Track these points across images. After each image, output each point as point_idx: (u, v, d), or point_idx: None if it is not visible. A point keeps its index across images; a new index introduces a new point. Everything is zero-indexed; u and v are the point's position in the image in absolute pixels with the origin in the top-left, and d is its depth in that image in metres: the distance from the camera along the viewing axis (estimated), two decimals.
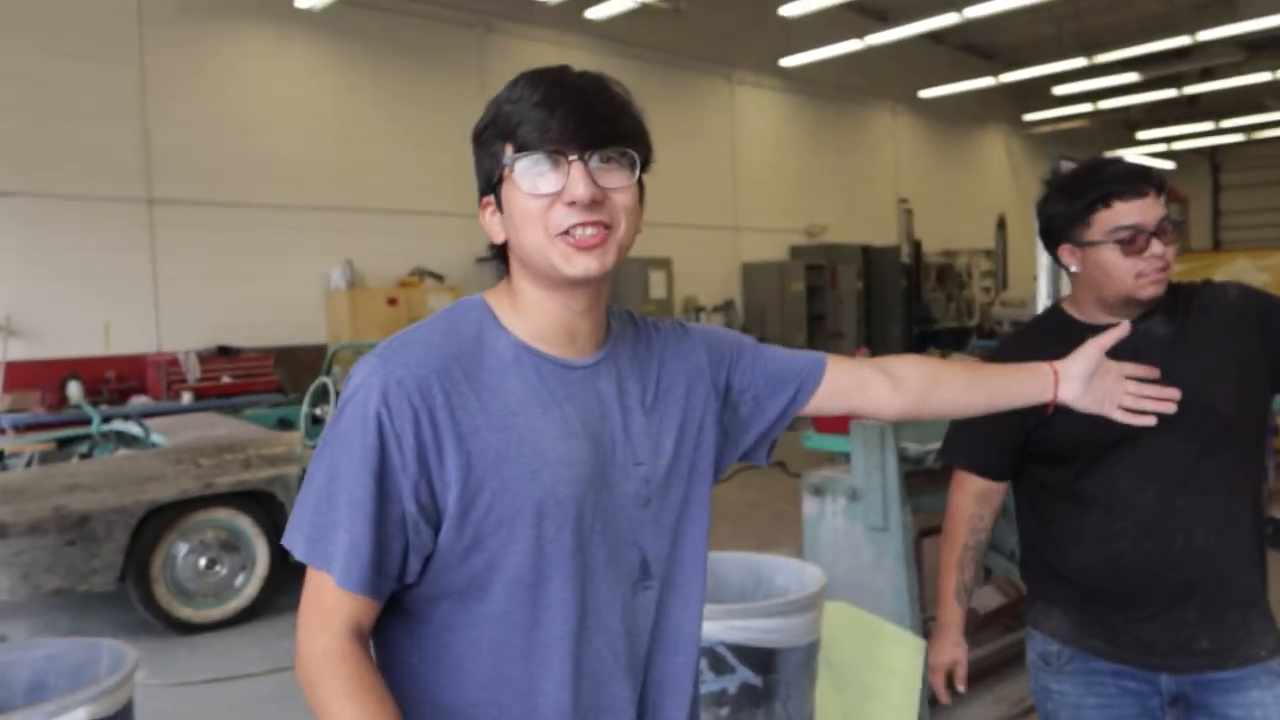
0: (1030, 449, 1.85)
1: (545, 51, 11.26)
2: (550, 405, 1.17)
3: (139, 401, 7.68)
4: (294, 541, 1.14)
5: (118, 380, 8.07)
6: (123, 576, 4.61)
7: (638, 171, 1.16)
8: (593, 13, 10.77)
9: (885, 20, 13.87)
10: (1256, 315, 1.77)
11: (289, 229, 9.24)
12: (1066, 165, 4.15)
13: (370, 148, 9.81)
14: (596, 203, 1.11)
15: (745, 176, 13.84)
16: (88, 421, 5.95)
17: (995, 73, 15.71)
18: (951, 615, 1.98)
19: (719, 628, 2.43)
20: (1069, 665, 1.84)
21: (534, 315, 1.19)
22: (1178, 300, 1.82)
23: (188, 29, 8.64)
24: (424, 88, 10.20)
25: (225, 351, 8.45)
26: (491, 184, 1.17)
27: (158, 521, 4.69)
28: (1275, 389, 1.80)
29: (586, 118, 1.11)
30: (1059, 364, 1.46)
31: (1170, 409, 1.48)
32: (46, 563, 4.36)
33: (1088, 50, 14.16)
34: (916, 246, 15.96)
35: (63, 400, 7.53)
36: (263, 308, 9.08)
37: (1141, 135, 21.27)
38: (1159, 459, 1.73)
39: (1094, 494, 1.77)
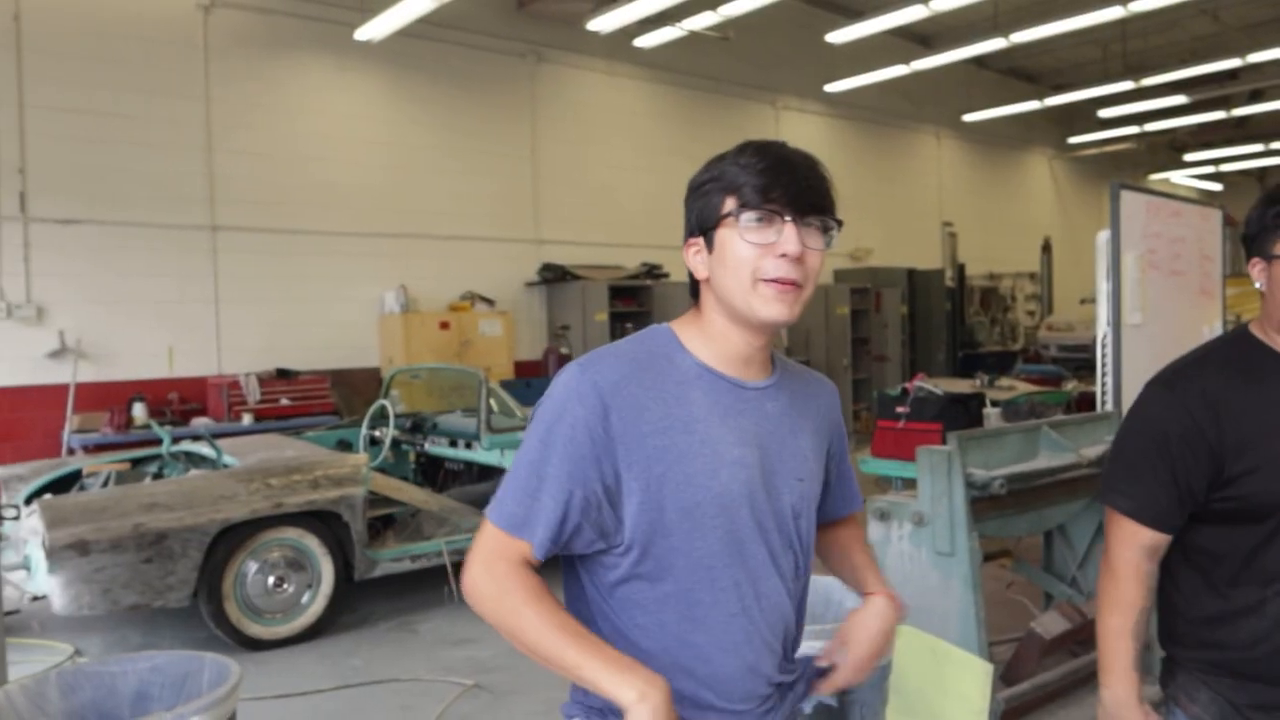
0: (1208, 505, 1.67)
1: (594, 80, 11.42)
2: (727, 416, 1.35)
3: (200, 422, 7.87)
4: (497, 512, 1.31)
5: (180, 401, 8.28)
6: (195, 593, 4.75)
7: (831, 241, 1.36)
8: (641, 41, 10.94)
9: (929, 45, 13.91)
10: None
11: (345, 255, 9.45)
12: (1127, 194, 4.18)
13: (423, 175, 10.02)
14: (800, 259, 1.31)
15: None
16: (157, 442, 6.12)
17: (1039, 96, 15.67)
18: (1129, 688, 1.72)
19: None
20: None
21: (718, 342, 1.38)
22: None
23: (250, 63, 8.90)
24: (476, 116, 10.40)
25: (283, 374, 8.64)
26: (704, 228, 1.36)
27: (229, 540, 4.83)
28: None
29: (804, 189, 1.32)
30: None
31: None
32: (125, 579, 4.50)
33: (1134, 73, 14.08)
34: (960, 270, 15.90)
35: (129, 421, 7.74)
36: (319, 331, 9.28)
37: (1188, 157, 21.05)
38: None
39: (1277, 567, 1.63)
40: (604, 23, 9.88)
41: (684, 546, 1.31)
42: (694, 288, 1.42)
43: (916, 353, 14.50)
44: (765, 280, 1.31)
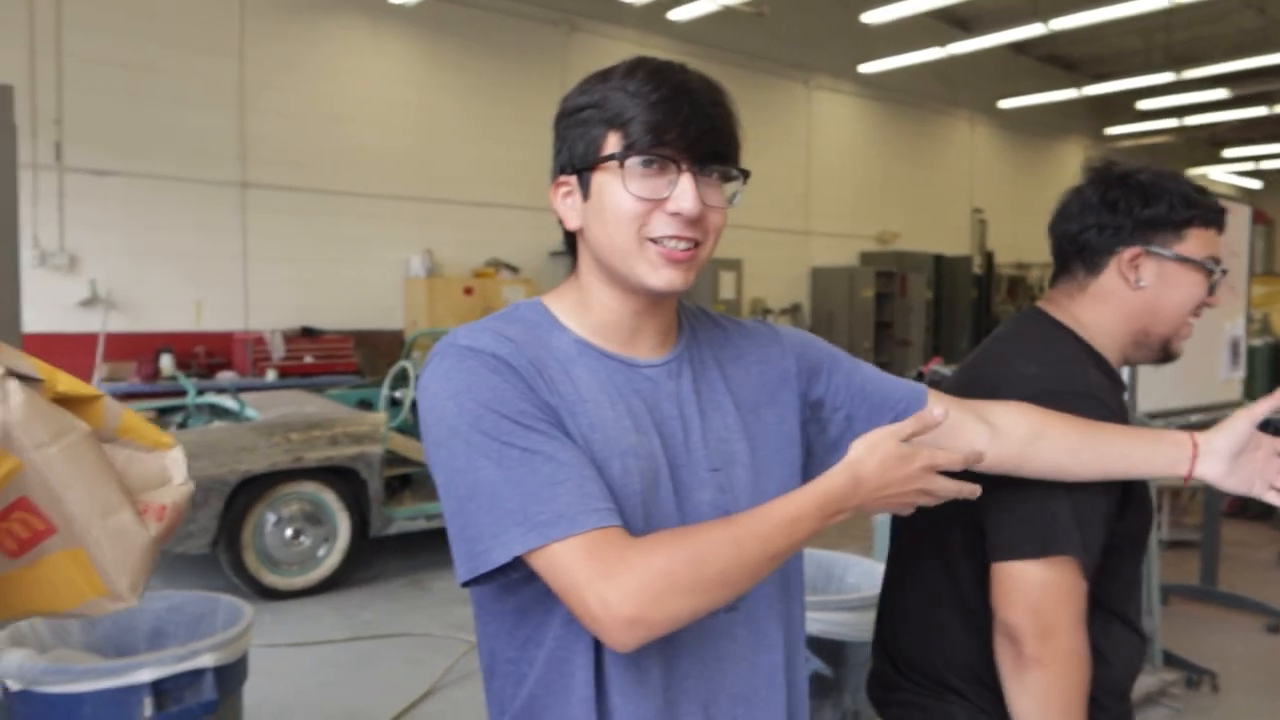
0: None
1: (627, 51, 11.23)
2: (618, 399, 1.09)
3: (226, 376, 8.01)
4: (510, 541, 0.97)
5: (207, 355, 8.41)
6: (215, 542, 4.87)
7: (735, 196, 1.10)
8: (675, 14, 10.89)
9: (967, 29, 13.75)
10: None
11: (372, 217, 9.53)
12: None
13: (452, 141, 10.07)
14: (699, 219, 1.05)
15: (819, 180, 13.85)
16: (183, 393, 6.24)
17: (1078, 84, 15.47)
18: None
19: None
20: None
21: (598, 312, 1.12)
22: None
23: (286, 24, 8.96)
24: (507, 84, 10.42)
25: (308, 332, 8.76)
26: (578, 167, 1.08)
27: (249, 491, 4.94)
28: None
29: (708, 132, 1.05)
30: (1201, 436, 1.28)
31: None
32: None
33: (1176, 65, 13.87)
34: (989, 257, 15.81)
35: (156, 372, 7.89)
36: (345, 292, 9.38)
37: (1228, 153, 20.74)
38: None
39: (1124, 599, 1.46)
40: None
41: None
42: (569, 242, 1.16)
43: (940, 339, 14.46)
44: (653, 240, 1.05)
